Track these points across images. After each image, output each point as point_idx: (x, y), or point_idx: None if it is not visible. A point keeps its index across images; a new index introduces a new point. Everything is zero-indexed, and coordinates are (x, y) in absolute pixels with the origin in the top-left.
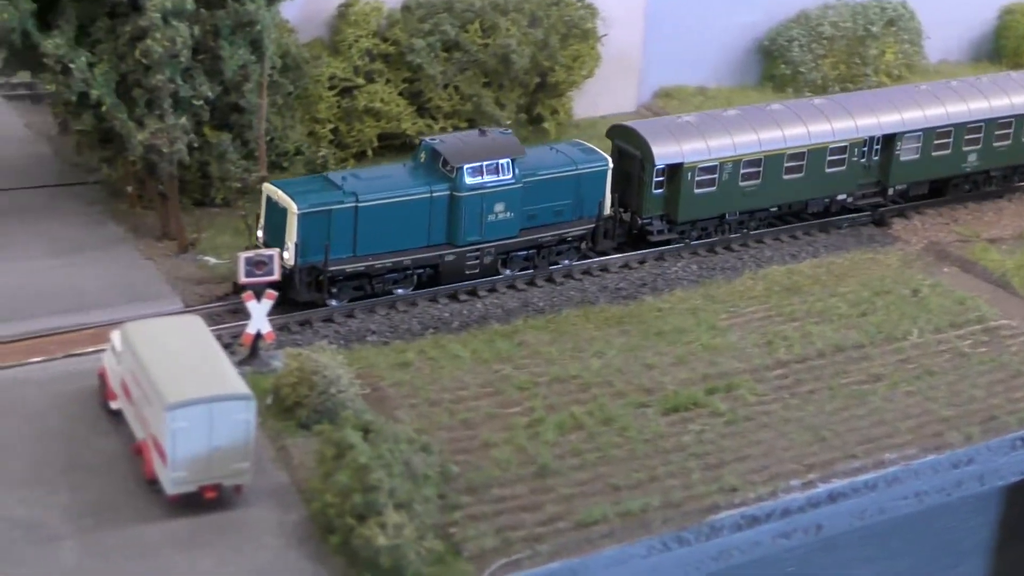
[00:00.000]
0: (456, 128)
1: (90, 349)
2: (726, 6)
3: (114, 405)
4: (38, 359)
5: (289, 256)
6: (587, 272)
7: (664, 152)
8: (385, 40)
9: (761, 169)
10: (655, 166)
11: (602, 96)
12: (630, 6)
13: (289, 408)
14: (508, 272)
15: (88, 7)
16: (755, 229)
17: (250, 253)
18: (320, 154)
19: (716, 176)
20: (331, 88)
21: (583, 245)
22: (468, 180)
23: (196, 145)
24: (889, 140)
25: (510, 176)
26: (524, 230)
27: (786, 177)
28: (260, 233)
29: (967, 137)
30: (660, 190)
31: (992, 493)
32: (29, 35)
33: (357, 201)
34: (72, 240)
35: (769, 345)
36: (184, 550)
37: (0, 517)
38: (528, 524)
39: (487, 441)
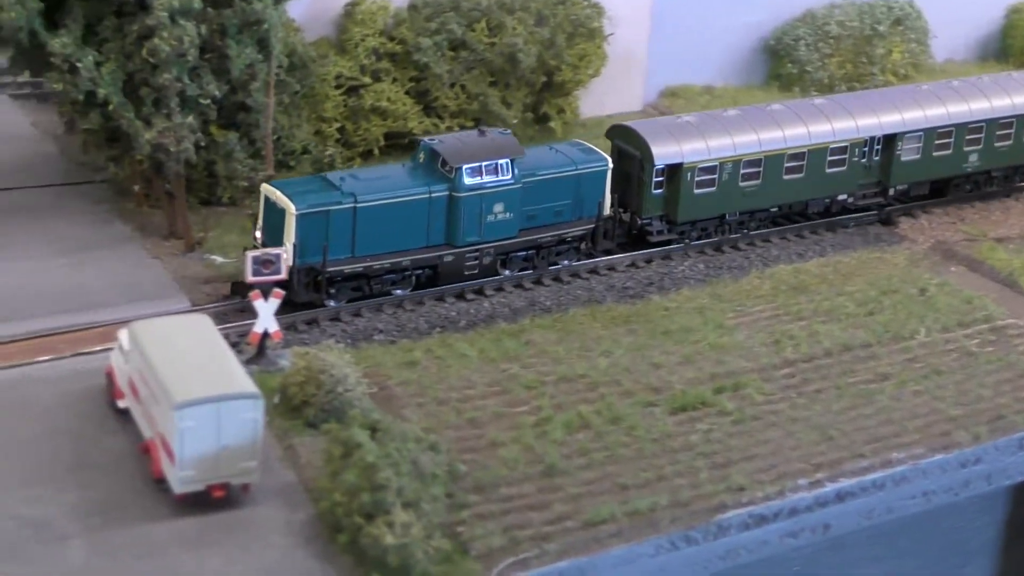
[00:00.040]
0: (463, 127)
1: (97, 348)
2: (732, 5)
3: (121, 404)
4: (46, 358)
5: (287, 257)
6: (594, 271)
7: (664, 152)
8: (392, 39)
9: (761, 169)
10: (655, 166)
11: (608, 95)
12: (636, 5)
13: (296, 407)
14: (507, 273)
15: (95, 6)
16: (755, 230)
17: (257, 252)
18: (327, 153)
19: (716, 176)
20: (338, 87)
21: (583, 246)
22: (467, 180)
23: (203, 144)
24: (890, 140)
25: (509, 176)
26: (523, 230)
27: (786, 177)
28: (258, 234)
29: (968, 137)
30: (660, 190)
31: (999, 492)
32: (36, 34)
33: (356, 202)
34: (79, 239)
35: (776, 344)
36: (192, 549)
37: (8, 515)
38: (536, 523)
39: (494, 440)
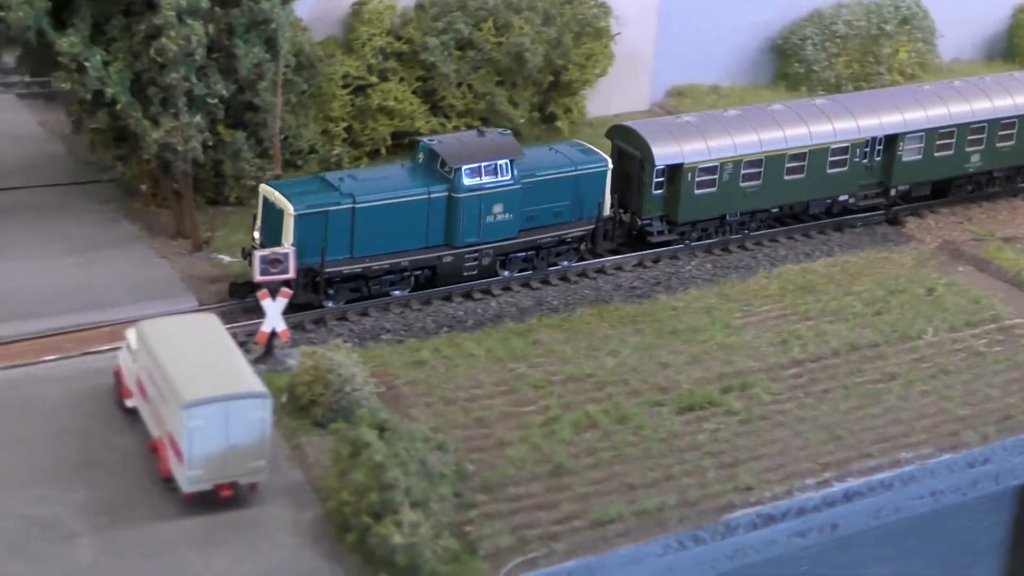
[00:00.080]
0: (470, 127)
1: (105, 347)
2: (739, 5)
3: (129, 403)
4: (53, 357)
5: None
6: (601, 271)
7: (664, 152)
8: (399, 38)
9: (762, 170)
10: (655, 166)
11: (615, 95)
12: (643, 5)
13: (304, 406)
14: (507, 274)
15: (103, 5)
16: (756, 230)
17: (265, 251)
18: (334, 152)
19: (716, 177)
20: (345, 86)
21: (582, 246)
22: (466, 181)
23: (210, 143)
24: (891, 140)
25: (508, 177)
26: (523, 231)
27: (787, 178)
28: (256, 234)
29: (970, 137)
30: (660, 191)
31: (1007, 492)
32: (44, 33)
33: (354, 202)
34: (86, 238)
35: (784, 344)
36: (200, 548)
37: (16, 515)
38: (544, 522)
39: (502, 439)
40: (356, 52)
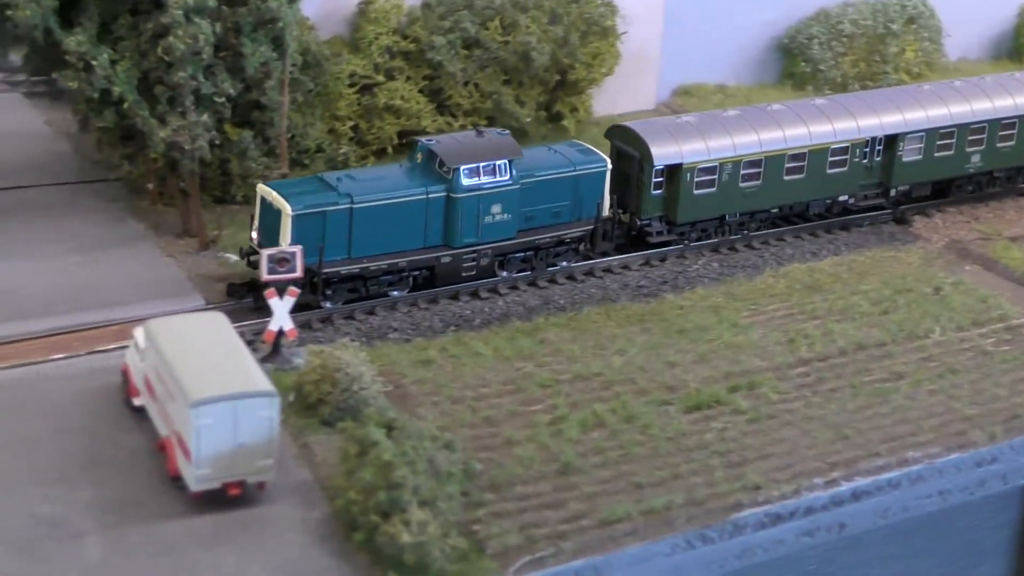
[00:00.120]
0: (476, 125)
1: (112, 346)
2: (745, 4)
3: (137, 402)
4: (61, 356)
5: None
6: (608, 270)
7: (663, 153)
8: (405, 37)
9: (762, 170)
10: (654, 167)
11: (621, 94)
12: (649, 4)
13: (312, 405)
14: (505, 274)
15: (110, 4)
16: (756, 230)
17: (273, 250)
18: (341, 151)
19: (716, 177)
20: (351, 85)
21: (582, 247)
22: (464, 181)
23: (217, 142)
24: (891, 140)
25: (507, 177)
26: (522, 232)
27: (787, 178)
28: (254, 234)
29: (970, 138)
30: (659, 191)
31: (1015, 492)
32: (51, 32)
33: (352, 203)
34: (93, 237)
35: (791, 343)
36: (208, 547)
37: (24, 513)
38: (551, 521)
39: (510, 438)
40: (363, 51)
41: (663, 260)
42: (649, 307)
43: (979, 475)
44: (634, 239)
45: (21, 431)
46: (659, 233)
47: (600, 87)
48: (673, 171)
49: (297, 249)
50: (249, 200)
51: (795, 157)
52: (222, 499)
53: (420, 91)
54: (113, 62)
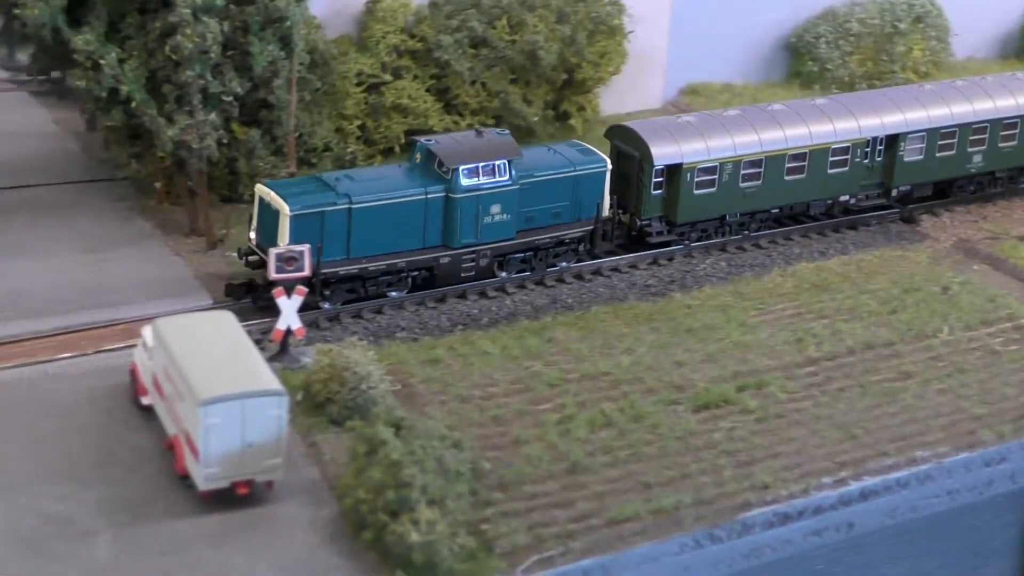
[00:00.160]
0: (483, 125)
1: (120, 345)
2: (753, 3)
3: (145, 401)
4: (69, 355)
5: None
6: (616, 269)
7: (663, 152)
8: (412, 36)
9: (762, 170)
10: (654, 167)
11: (628, 93)
12: (656, 3)
13: (320, 404)
14: (505, 275)
15: (118, 3)
16: (756, 231)
17: (281, 249)
18: (349, 151)
19: (716, 177)
20: (358, 84)
21: (581, 247)
22: (464, 181)
23: (225, 141)
24: (892, 141)
25: (506, 177)
26: (521, 232)
27: (787, 178)
28: (252, 234)
29: (972, 138)
30: (659, 191)
31: (1022, 492)
32: (59, 31)
33: (350, 203)
34: (101, 236)
35: (799, 342)
36: (216, 546)
37: (34, 512)
38: (560, 521)
39: (518, 438)
40: (370, 50)
41: (671, 259)
42: (657, 306)
43: (988, 475)
44: (634, 239)
45: (29, 430)
46: (659, 233)
47: (607, 86)
48: (673, 171)
49: (305, 248)
50: None
51: (796, 157)
52: (230, 498)
53: (427, 90)
54: (121, 61)
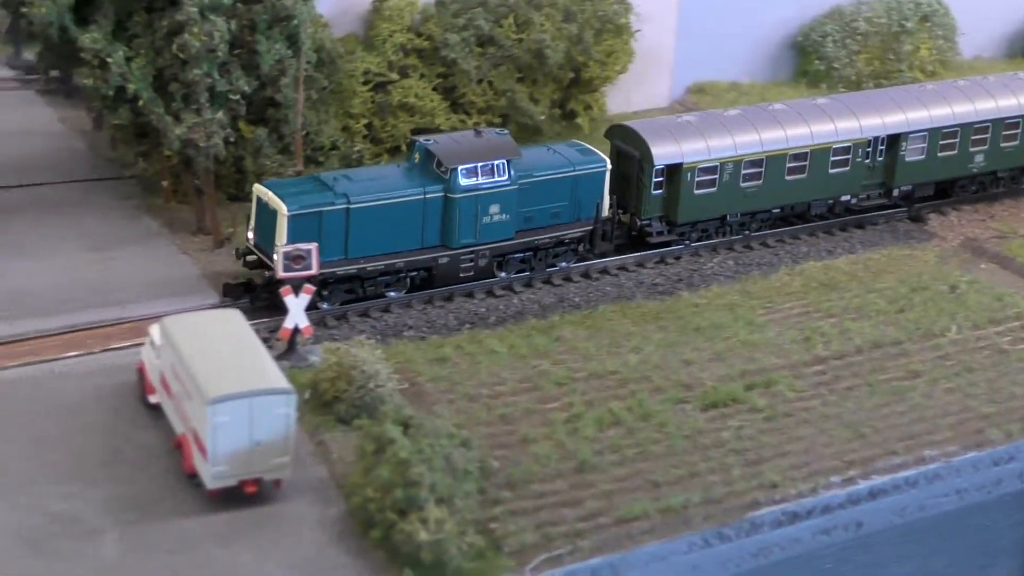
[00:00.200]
0: (490, 123)
1: (127, 343)
2: (760, 1)
3: (153, 399)
4: (76, 353)
5: (279, 258)
6: (623, 268)
7: (663, 152)
8: (419, 35)
9: (763, 169)
10: (654, 166)
11: (635, 92)
12: (663, 1)
13: (328, 403)
14: (504, 275)
15: (126, 2)
16: (757, 231)
17: (288, 247)
18: (356, 149)
19: (716, 177)
20: (365, 83)
21: (581, 247)
22: (462, 181)
23: (232, 139)
24: (894, 140)
25: (505, 177)
26: (520, 232)
27: (788, 178)
28: (250, 235)
29: (973, 137)
30: (659, 191)
31: None
32: (67, 30)
33: (348, 203)
34: (108, 235)
35: (807, 341)
36: (224, 544)
37: (40, 511)
38: (568, 519)
39: (526, 436)
40: (377, 49)
41: (678, 258)
42: (664, 305)
43: (996, 474)
44: (634, 239)
45: (36, 429)
46: (659, 233)
47: (614, 85)
48: (673, 171)
49: (312, 246)
50: None
51: (797, 157)
52: (238, 496)
53: (434, 89)
54: (128, 59)
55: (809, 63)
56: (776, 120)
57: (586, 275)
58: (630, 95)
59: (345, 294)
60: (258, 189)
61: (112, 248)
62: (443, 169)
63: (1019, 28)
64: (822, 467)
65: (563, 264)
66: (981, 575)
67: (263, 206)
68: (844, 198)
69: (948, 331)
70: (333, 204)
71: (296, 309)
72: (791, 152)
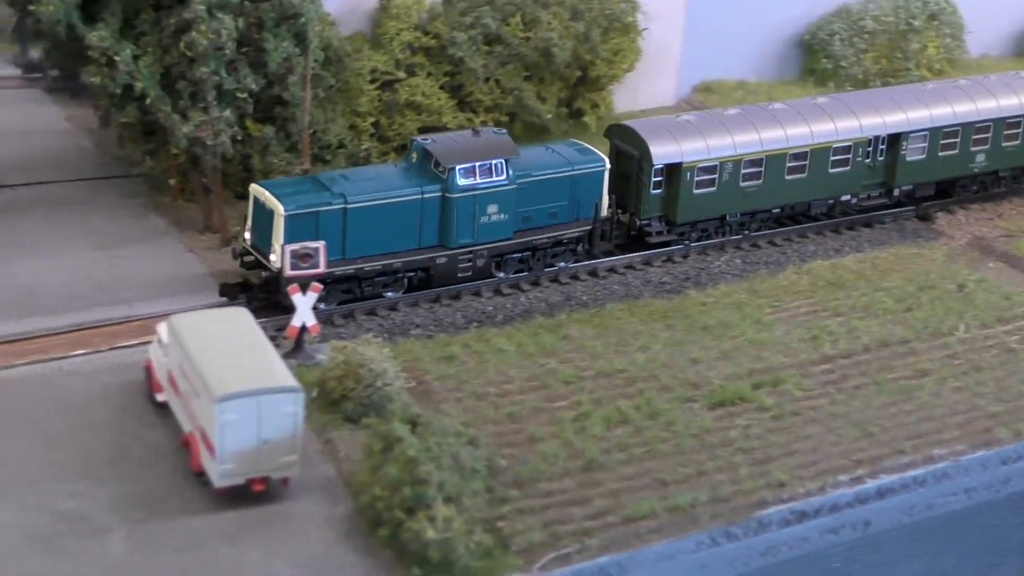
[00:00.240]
0: (497, 122)
1: (135, 342)
2: (767, 0)
3: (160, 397)
4: (83, 351)
5: (275, 259)
6: (630, 266)
7: (662, 152)
8: (426, 33)
9: (763, 169)
10: (653, 166)
11: (642, 90)
12: (670, 0)
13: (335, 401)
14: (502, 275)
15: (133, 0)
16: (757, 231)
17: (296, 246)
18: (363, 148)
19: (716, 176)
20: (372, 81)
21: (580, 247)
22: (460, 181)
23: (239, 138)
24: (895, 140)
25: (503, 177)
26: (518, 232)
27: (788, 177)
28: (247, 235)
29: (975, 137)
30: (659, 190)
31: None
32: (74, 28)
33: (346, 203)
34: (115, 233)
35: (814, 340)
36: (232, 543)
37: (48, 509)
38: (576, 518)
39: (533, 435)
40: (384, 47)
41: (686, 256)
42: (672, 304)
43: (1004, 472)
44: (634, 239)
45: (43, 427)
46: (659, 233)
47: (621, 83)
48: (673, 170)
49: (320, 244)
50: None
51: (797, 156)
52: (246, 495)
53: (441, 87)
54: (136, 57)
55: (816, 61)
56: (776, 119)
57: (593, 273)
58: (637, 94)
59: (342, 294)
60: (255, 189)
61: (119, 246)
62: (441, 169)
63: None
64: (830, 466)
65: (562, 264)
66: (990, 574)
67: (260, 206)
68: (844, 198)
69: (956, 330)
70: (330, 204)
71: (303, 307)
72: (791, 152)
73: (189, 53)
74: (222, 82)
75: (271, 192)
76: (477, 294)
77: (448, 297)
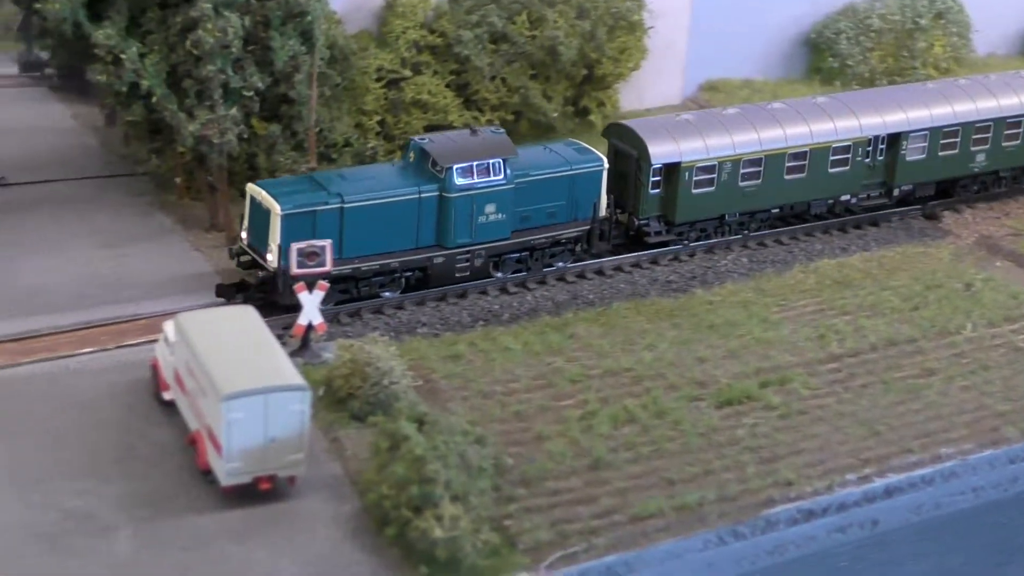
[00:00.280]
0: (503, 121)
1: (141, 340)
2: None
3: (167, 396)
4: (89, 350)
5: (272, 258)
6: (637, 265)
7: (661, 151)
8: (432, 32)
9: (762, 169)
10: (652, 165)
11: (648, 89)
12: None
13: (342, 399)
14: (500, 275)
15: None
16: (756, 231)
17: (302, 244)
18: (369, 146)
19: (715, 176)
20: (378, 80)
21: (578, 247)
22: (458, 181)
23: (245, 136)
24: (894, 139)
25: (501, 177)
26: (516, 232)
27: (788, 177)
28: (244, 234)
29: (975, 137)
30: (657, 190)
31: None
32: (80, 26)
33: (342, 202)
34: (121, 231)
35: (821, 339)
36: (238, 541)
37: (54, 507)
38: (583, 517)
39: (540, 434)
40: (390, 45)
41: (692, 255)
42: (678, 302)
43: (1012, 471)
44: (632, 239)
45: (50, 425)
46: (657, 233)
47: (627, 82)
48: (671, 170)
49: (327, 243)
50: None
51: (796, 156)
52: (253, 493)
53: (447, 86)
54: (142, 55)
55: (822, 60)
56: (775, 119)
57: (600, 272)
58: (643, 92)
59: (339, 294)
60: (251, 189)
61: (125, 245)
62: (438, 168)
63: None
64: (837, 465)
65: (560, 264)
66: (997, 573)
67: (256, 206)
68: (844, 198)
69: (963, 329)
70: (327, 203)
71: (310, 306)
72: (790, 151)
73: (195, 51)
74: (228, 80)
75: (268, 192)
76: (483, 293)
77: (454, 296)
